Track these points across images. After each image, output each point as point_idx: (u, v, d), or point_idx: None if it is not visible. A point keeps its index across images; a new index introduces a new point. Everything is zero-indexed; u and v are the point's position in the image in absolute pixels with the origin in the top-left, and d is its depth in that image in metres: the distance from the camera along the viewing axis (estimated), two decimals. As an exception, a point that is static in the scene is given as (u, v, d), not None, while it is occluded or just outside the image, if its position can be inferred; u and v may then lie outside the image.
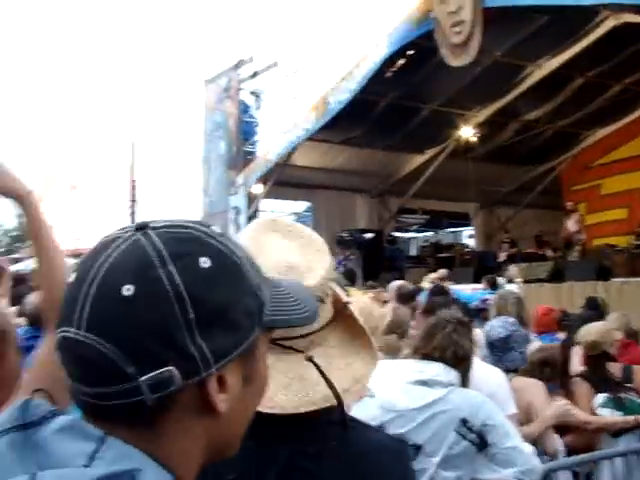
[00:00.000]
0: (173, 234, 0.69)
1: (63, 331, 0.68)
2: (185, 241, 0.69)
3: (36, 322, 3.62)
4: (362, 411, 1.88)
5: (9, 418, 0.67)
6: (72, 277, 0.70)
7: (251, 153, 17.90)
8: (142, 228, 0.69)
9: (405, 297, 5.93)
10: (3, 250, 31.14)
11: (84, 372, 0.67)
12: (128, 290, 0.64)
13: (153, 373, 0.64)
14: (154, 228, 0.69)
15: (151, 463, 0.65)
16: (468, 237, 21.82)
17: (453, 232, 23.52)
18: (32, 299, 3.78)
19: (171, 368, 0.64)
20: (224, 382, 0.68)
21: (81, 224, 23.23)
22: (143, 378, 0.64)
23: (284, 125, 16.07)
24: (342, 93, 13.85)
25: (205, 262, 0.67)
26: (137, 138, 22.33)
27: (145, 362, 0.64)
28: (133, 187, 21.67)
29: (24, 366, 1.81)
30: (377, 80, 13.29)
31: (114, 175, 21.17)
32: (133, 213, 21.35)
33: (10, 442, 0.65)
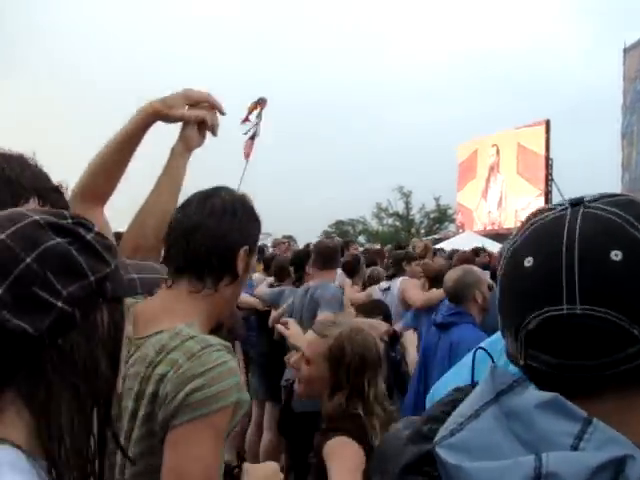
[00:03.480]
0: (614, 202, 0.69)
1: (546, 312, 0.67)
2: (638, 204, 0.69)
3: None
4: None
5: (487, 390, 0.69)
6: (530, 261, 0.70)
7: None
8: (577, 204, 0.70)
9: None
10: (424, 231, 34.23)
11: (585, 346, 0.66)
12: (616, 255, 0.65)
13: None
14: (589, 201, 0.70)
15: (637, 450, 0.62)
16: None
17: None
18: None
19: None
20: None
21: (497, 206, 24.18)
22: None
23: None
24: None
25: None
26: (552, 116, 22.10)
27: None
28: (548, 165, 21.60)
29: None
30: None
31: (527, 154, 21.33)
32: (549, 192, 21.31)
33: (492, 415, 0.67)
